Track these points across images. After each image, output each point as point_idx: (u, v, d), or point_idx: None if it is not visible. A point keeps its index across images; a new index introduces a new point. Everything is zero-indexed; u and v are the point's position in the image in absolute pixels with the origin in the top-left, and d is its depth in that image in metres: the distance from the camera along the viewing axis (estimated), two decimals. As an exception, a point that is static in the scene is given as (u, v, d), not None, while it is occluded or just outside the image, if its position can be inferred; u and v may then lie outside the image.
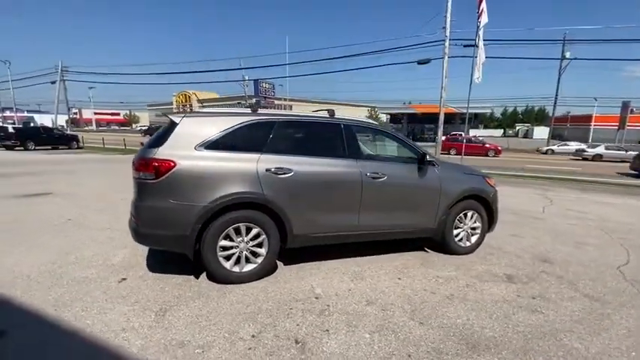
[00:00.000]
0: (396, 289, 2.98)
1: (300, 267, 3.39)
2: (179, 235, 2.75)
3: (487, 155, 23.66)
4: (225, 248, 2.90)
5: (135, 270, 3.16)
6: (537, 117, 67.93)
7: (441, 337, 2.28)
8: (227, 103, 66.91)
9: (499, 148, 24.57)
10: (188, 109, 73.58)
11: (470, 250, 3.97)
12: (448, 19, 16.51)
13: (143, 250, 3.57)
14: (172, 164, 2.72)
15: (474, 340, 2.27)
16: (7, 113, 47.81)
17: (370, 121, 3.80)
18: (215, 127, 2.93)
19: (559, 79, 27.97)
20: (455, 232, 3.87)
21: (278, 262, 3.41)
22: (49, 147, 20.71)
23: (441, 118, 17.78)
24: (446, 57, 16.79)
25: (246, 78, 43.08)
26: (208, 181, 2.79)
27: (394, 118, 56.48)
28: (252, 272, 3.01)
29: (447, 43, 16.75)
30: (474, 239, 4.01)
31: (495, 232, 4.69)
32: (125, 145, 23.01)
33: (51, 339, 2.12)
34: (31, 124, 34.54)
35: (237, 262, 2.97)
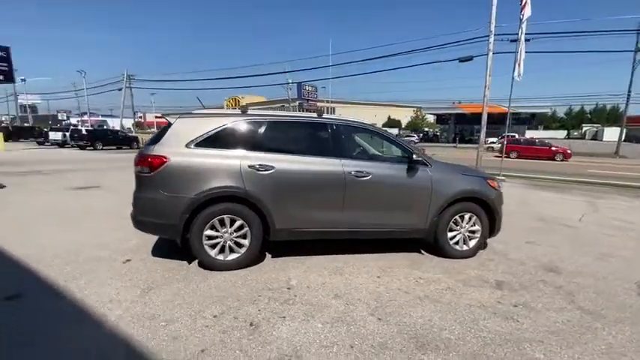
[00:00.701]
0: (369, 286, 3.01)
1: (285, 260, 3.55)
2: (169, 224, 3.08)
3: (554, 159, 21.26)
4: (210, 237, 3.18)
5: (140, 254, 3.58)
6: (609, 117, 60.37)
7: (393, 334, 2.29)
8: (271, 106, 69.48)
9: (568, 151, 21.80)
10: (237, 113, 77.63)
11: (468, 254, 3.82)
12: (493, 13, 15.53)
13: (153, 238, 4.01)
14: (164, 160, 3.06)
15: (426, 339, 2.24)
16: (84, 117, 54.60)
17: (360, 120, 3.84)
18: (205, 126, 3.23)
19: (632, 73, 24.58)
20: (450, 234, 3.75)
21: (267, 254, 3.62)
22: (114, 147, 23.38)
23: (484, 118, 16.69)
24: (490, 53, 15.75)
25: (290, 81, 44.23)
26: (195, 175, 3.09)
27: (441, 119, 54.15)
28: (235, 261, 3.25)
29: (491, 39, 15.71)
30: (472, 243, 3.84)
31: (509, 238, 4.47)
32: None
33: (52, 304, 2.54)
34: (104, 127, 39.39)
35: (222, 251, 3.23)
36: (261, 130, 3.34)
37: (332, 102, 59.31)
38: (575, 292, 3.05)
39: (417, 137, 46.34)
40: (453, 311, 2.63)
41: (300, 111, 53.32)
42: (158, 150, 3.10)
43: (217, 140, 3.22)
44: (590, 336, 2.35)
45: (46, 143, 24.71)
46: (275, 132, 3.42)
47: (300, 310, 2.56)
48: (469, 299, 2.85)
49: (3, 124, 35.38)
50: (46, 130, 26.76)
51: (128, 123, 57.09)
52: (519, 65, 10.97)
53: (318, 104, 54.13)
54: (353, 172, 3.39)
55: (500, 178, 10.81)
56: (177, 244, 3.21)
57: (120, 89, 34.89)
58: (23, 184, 7.81)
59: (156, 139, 3.24)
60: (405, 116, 75.53)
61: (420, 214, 3.63)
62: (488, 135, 16.55)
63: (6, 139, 22.37)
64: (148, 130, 70.01)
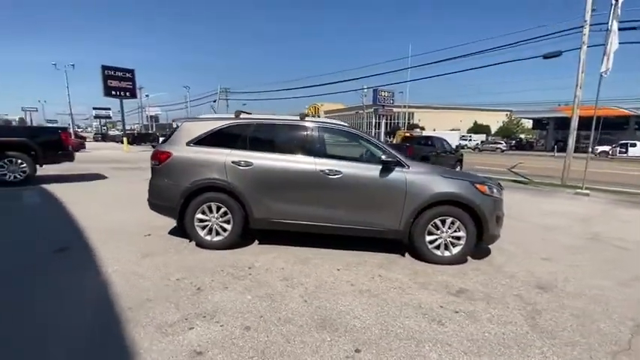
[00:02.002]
0: (321, 276, 3.23)
1: (267, 247, 3.98)
2: (171, 207, 3.83)
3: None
4: (201, 220, 3.82)
5: (160, 231, 4.44)
6: None
7: (304, 313, 2.52)
8: (347, 113, 70.57)
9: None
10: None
11: (450, 260, 3.66)
12: (589, 0, 13.35)
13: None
14: (169, 154, 3.83)
15: (331, 323, 2.41)
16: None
17: (341, 123, 4.04)
18: (203, 128, 3.91)
19: None
20: (429, 238, 3.66)
21: (256, 241, 4.11)
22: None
23: (574, 121, 14.36)
24: (584, 47, 13.58)
25: (365, 87, 44.49)
26: (191, 168, 3.78)
27: (538, 124, 47.39)
28: (220, 242, 3.82)
29: (585, 30, 13.52)
30: (455, 250, 3.67)
31: (526, 252, 4.14)
32: None
33: (80, 257, 3.48)
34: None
35: (210, 232, 3.84)
36: (248, 131, 3.87)
37: (409, 107, 57.41)
38: (546, 311, 2.73)
39: (504, 144, 41.46)
40: (381, 306, 2.69)
41: (376, 117, 53.11)
42: (166, 147, 3.90)
43: (211, 140, 3.86)
44: (516, 350, 2.17)
45: (158, 146, 30.24)
46: (259, 133, 3.90)
47: (243, 285, 2.96)
48: (410, 299, 2.84)
49: (129, 132, 44.43)
50: (158, 135, 32.66)
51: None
52: (608, 59, 9.26)
53: (395, 110, 53.07)
54: (325, 171, 3.65)
55: (582, 191, 9.28)
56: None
57: (214, 101, 40.27)
58: (120, 177, 9.98)
59: (166, 139, 4.05)
60: (496, 121, 68.16)
61: (393, 215, 3.65)
62: (600, 142, 14.00)
63: (130, 143, 28.11)
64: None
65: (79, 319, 2.34)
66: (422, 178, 3.65)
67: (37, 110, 55.60)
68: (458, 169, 14.34)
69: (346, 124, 4.03)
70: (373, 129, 55.28)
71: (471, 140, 46.03)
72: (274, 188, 3.73)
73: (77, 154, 18.04)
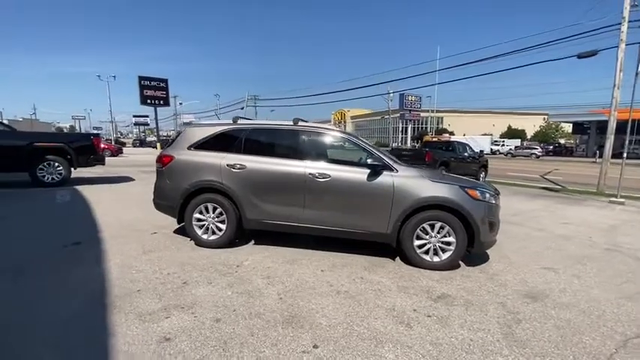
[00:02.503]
0: (302, 276, 3.32)
1: (261, 247, 4.13)
2: (171, 206, 4.10)
3: None
4: (199, 220, 4.05)
5: (166, 230, 4.74)
6: None
7: (275, 310, 2.62)
8: (372, 118, 69.98)
9: None
10: (343, 126, 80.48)
11: (440, 266, 3.61)
12: (627, -6, 12.48)
13: (184, 220, 5.18)
14: (172, 157, 4.11)
15: (299, 319, 2.49)
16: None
17: (332, 127, 4.12)
18: (202, 133, 4.16)
19: None
20: (417, 242, 3.64)
21: (252, 241, 4.29)
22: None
23: (612, 124, 13.48)
24: (622, 45, 12.70)
25: (391, 92, 43.97)
26: (190, 170, 4.03)
27: (579, 127, 44.37)
28: (215, 241, 4.02)
29: (624, 27, 12.68)
30: (445, 255, 3.61)
31: (529, 260, 4.00)
32: None
33: (89, 250, 3.82)
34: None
35: (207, 231, 4.06)
36: (243, 136, 4.07)
37: (438, 111, 55.95)
38: (527, 320, 2.63)
39: (540, 150, 39.17)
40: (353, 307, 2.73)
41: (403, 122, 52.25)
42: (169, 151, 4.19)
43: (210, 144, 4.10)
44: (478, 357, 2.14)
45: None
46: (253, 137, 4.09)
47: (226, 281, 3.12)
48: (385, 301, 2.85)
49: (164, 138, 47.09)
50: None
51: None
52: (644, 57, 8.61)
53: (422, 114, 51.96)
54: (314, 174, 3.75)
55: (616, 199, 8.67)
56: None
57: (242, 108, 41.67)
58: (146, 179, 10.64)
59: (170, 144, 4.35)
60: (532, 125, 64.64)
61: (380, 218, 3.67)
62: None
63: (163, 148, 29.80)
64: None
65: (71, 303, 2.60)
66: (410, 182, 3.64)
67: (84, 118, 60.59)
68: (482, 175, 13.83)
69: (337, 129, 4.11)
70: (400, 134, 54.45)
71: (503, 145, 43.91)
72: (265, 190, 3.89)
73: (114, 159, 19.36)
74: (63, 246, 3.90)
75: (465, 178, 4.25)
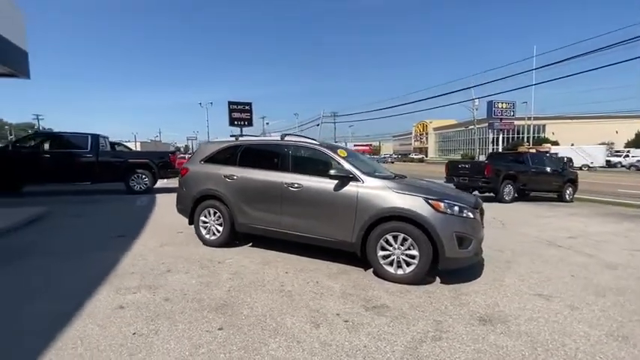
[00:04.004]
0: (264, 275, 3.68)
1: (251, 249, 4.65)
2: (185, 210, 4.96)
3: None
4: (204, 222, 4.80)
5: (190, 230, 5.63)
6: None
7: (216, 298, 3.07)
8: (457, 129, 64.62)
9: None
10: (424, 139, 76.81)
11: (403, 279, 3.53)
12: None
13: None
14: (187, 170, 5.01)
15: (227, 309, 2.88)
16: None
17: (312, 141, 4.39)
18: (211, 149, 4.96)
19: None
20: (382, 253, 3.64)
21: (250, 243, 4.84)
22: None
23: None
24: None
25: (475, 98, 40.43)
26: (199, 180, 4.84)
27: None
28: (215, 240, 4.69)
29: None
30: (409, 269, 3.52)
31: (518, 283, 3.69)
32: None
33: (125, 241, 4.90)
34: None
35: (209, 232, 4.77)
36: (239, 150, 4.71)
37: (536, 118, 48.85)
38: (446, 340, 2.48)
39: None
40: (284, 304, 2.98)
41: (493, 132, 47.12)
42: (187, 164, 5.11)
43: (216, 158, 4.86)
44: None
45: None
46: (247, 152, 4.68)
47: (199, 273, 3.70)
48: (317, 304, 3.01)
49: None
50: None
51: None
52: None
53: (516, 123, 46.20)
54: (288, 183, 4.12)
55: None
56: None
57: (318, 125, 43.92)
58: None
59: (190, 158, 5.26)
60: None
61: (345, 228, 3.79)
62: None
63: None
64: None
65: (83, 274, 3.51)
66: (373, 193, 3.69)
67: (196, 138, 72.14)
68: (569, 192, 11.82)
69: (316, 142, 4.38)
70: (490, 145, 49.26)
71: (628, 156, 35.60)
72: (251, 198, 4.41)
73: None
74: (110, 237, 5.11)
75: (447, 190, 4.02)
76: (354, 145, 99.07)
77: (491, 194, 10.99)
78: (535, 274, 3.96)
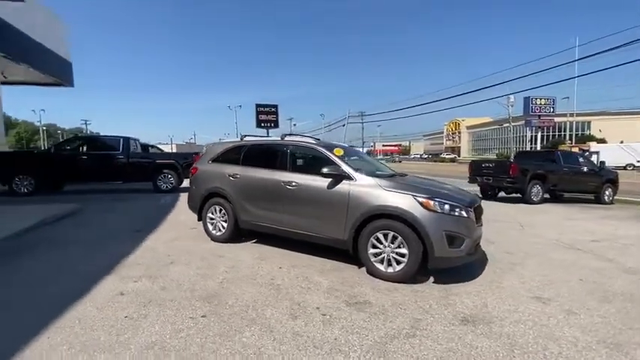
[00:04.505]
0: (258, 270, 3.83)
1: (254, 245, 4.83)
2: (195, 207, 5.24)
3: None
4: (211, 219, 5.06)
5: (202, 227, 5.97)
6: None
7: (208, 289, 3.25)
8: (489, 128, 61.42)
9: None
10: (457, 138, 73.91)
11: (393, 277, 3.52)
12: None
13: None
14: (197, 169, 5.30)
15: (215, 298, 3.05)
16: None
17: (309, 140, 4.47)
18: (218, 149, 5.21)
19: None
20: (373, 250, 3.65)
21: (254, 239, 5.03)
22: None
23: None
24: None
25: (512, 98, 38.34)
26: (206, 179, 5.10)
27: None
28: (220, 236, 4.93)
29: None
30: (399, 267, 3.51)
31: (519, 285, 3.56)
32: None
33: (140, 235, 5.27)
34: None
35: (215, 228, 5.01)
36: (243, 150, 4.91)
37: (579, 114, 45.36)
38: (422, 338, 2.47)
39: None
40: (269, 297, 3.11)
41: (531, 130, 44.34)
42: (197, 164, 5.40)
43: (222, 158, 5.10)
44: (323, 351, 2.25)
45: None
46: (249, 152, 4.86)
47: (200, 265, 3.92)
48: (302, 298, 3.10)
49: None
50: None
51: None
52: None
53: (557, 119, 43.26)
54: (285, 181, 4.25)
55: None
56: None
57: (344, 125, 43.84)
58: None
59: (200, 158, 5.55)
60: None
61: (338, 225, 3.84)
62: None
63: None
64: (377, 157, 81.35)
65: (95, 263, 3.86)
66: (364, 191, 3.72)
67: (226, 140, 75.10)
68: (608, 193, 10.98)
69: (313, 141, 4.47)
70: (528, 144, 46.49)
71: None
72: (252, 196, 4.59)
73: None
74: (129, 231, 5.52)
75: (444, 188, 3.94)
76: (383, 145, 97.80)
77: (518, 195, 10.47)
78: (539, 277, 3.78)
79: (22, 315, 2.73)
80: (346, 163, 4.02)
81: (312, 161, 4.31)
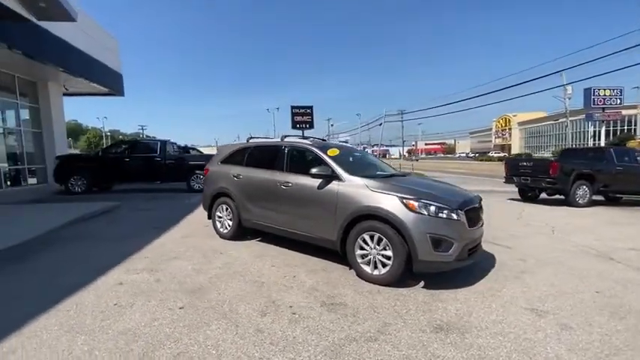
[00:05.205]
0: (249, 267, 3.96)
1: (255, 243, 4.99)
2: (206, 206, 5.55)
3: None
4: (219, 217, 5.32)
5: (217, 224, 6.29)
6: None
7: (196, 282, 3.44)
8: (544, 123, 55.89)
9: None
10: (507, 135, 68.77)
11: (380, 280, 3.45)
12: None
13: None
14: (208, 170, 5.60)
15: (199, 291, 3.23)
16: (374, 147, 69.97)
17: (305, 142, 4.50)
18: (226, 151, 5.47)
19: None
20: (360, 252, 3.60)
21: (258, 238, 5.21)
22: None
23: None
24: None
25: (569, 89, 34.87)
26: (215, 179, 5.38)
27: None
28: (226, 233, 5.17)
29: None
30: (384, 270, 3.43)
31: (520, 295, 3.30)
32: (413, 168, 28.24)
33: (155, 232, 5.70)
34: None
35: (222, 226, 5.27)
36: (247, 152, 5.10)
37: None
38: (379, 342, 2.41)
39: None
40: (250, 292, 3.22)
41: (594, 124, 39.73)
42: (209, 165, 5.71)
43: (229, 159, 5.35)
44: (277, 348, 2.30)
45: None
46: (253, 153, 5.04)
47: (199, 261, 4.16)
48: (279, 296, 3.17)
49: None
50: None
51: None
52: None
53: (625, 112, 38.40)
54: (280, 181, 4.34)
55: None
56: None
57: (380, 124, 42.95)
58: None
59: (211, 159, 5.86)
60: None
61: (328, 226, 3.84)
62: None
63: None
64: (413, 157, 78.40)
65: (107, 256, 4.26)
66: (351, 192, 3.68)
67: (267, 142, 77.60)
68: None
69: (309, 142, 4.50)
70: (591, 140, 41.94)
71: None
72: (252, 196, 4.75)
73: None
74: (150, 228, 6.00)
75: (431, 188, 3.75)
76: (425, 144, 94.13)
77: (561, 197, 9.53)
78: (546, 287, 3.45)
79: (31, 299, 3.11)
80: (338, 164, 4.00)
81: (306, 162, 4.34)
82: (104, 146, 24.58)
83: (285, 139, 4.77)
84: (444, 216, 3.25)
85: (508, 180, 10.63)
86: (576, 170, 9.24)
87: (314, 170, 3.91)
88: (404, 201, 3.32)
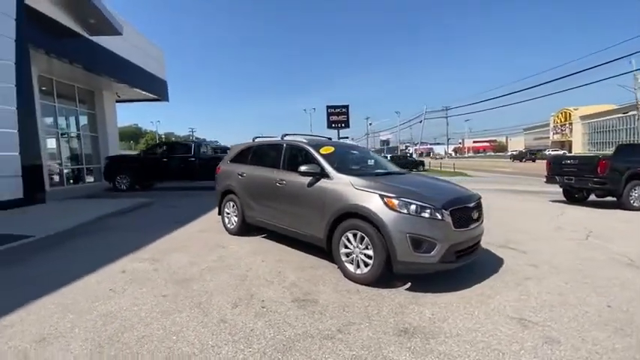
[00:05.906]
0: (242, 262, 4.09)
1: (256, 239, 5.14)
2: (218, 202, 5.84)
3: None
4: (227, 213, 5.57)
5: (231, 220, 6.58)
6: None
7: (186, 275, 3.66)
8: (610, 117, 49.18)
9: None
10: (567, 130, 62.48)
11: (361, 279, 3.38)
12: None
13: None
14: (219, 168, 5.89)
15: (184, 282, 3.43)
16: (417, 146, 67.74)
17: (302, 140, 4.51)
18: (236, 150, 5.70)
19: None
20: (344, 250, 3.57)
21: (263, 234, 5.37)
22: (406, 169, 29.00)
23: None
24: None
25: (639, 77, 30.71)
26: (224, 177, 5.64)
27: None
28: (233, 229, 5.40)
29: None
30: (366, 269, 3.36)
31: (512, 303, 3.17)
32: (454, 168, 26.84)
33: (173, 226, 6.12)
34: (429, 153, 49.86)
35: (229, 222, 5.51)
36: (251, 151, 5.28)
37: None
38: (334, 341, 2.37)
39: None
40: (231, 285, 3.35)
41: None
42: (220, 163, 5.99)
43: (237, 158, 5.57)
44: (234, 339, 2.39)
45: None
46: (255, 152, 5.20)
47: (198, 253, 4.40)
48: (256, 290, 3.25)
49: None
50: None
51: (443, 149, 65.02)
52: None
53: None
54: (277, 179, 4.43)
55: None
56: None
57: (420, 121, 41.41)
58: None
59: (223, 158, 6.14)
60: None
61: (316, 224, 3.84)
62: None
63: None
64: (458, 156, 74.13)
65: (123, 246, 4.67)
66: (338, 189, 3.64)
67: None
68: None
69: (305, 140, 4.52)
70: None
71: None
72: (254, 193, 4.91)
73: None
74: (171, 222, 6.45)
75: (420, 185, 3.58)
76: (474, 142, 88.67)
77: (613, 198, 8.46)
78: (548, 297, 3.12)
79: (43, 282, 3.52)
80: (327, 162, 3.98)
81: (300, 160, 4.38)
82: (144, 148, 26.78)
83: (285, 138, 4.86)
84: (427, 215, 3.09)
85: (549, 180, 9.67)
86: (631, 169, 8.14)
87: (303, 168, 3.94)
88: (384, 199, 3.22)
